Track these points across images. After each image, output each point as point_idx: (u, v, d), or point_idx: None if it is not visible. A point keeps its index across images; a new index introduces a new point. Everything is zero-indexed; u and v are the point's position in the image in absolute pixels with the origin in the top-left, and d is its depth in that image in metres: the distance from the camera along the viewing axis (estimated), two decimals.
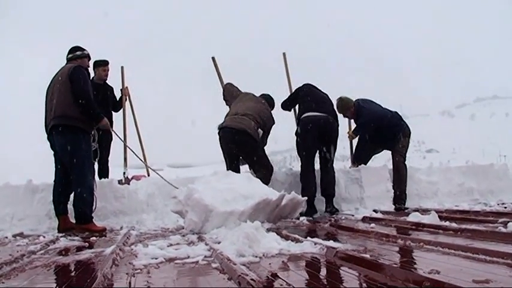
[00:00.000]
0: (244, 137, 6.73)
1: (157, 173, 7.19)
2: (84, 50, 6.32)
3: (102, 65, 8.16)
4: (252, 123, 6.86)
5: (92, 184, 5.92)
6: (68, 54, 6.26)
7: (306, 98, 7.47)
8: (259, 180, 5.83)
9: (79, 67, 6.00)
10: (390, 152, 7.77)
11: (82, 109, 5.82)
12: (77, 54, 6.22)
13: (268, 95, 7.86)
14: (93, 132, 6.24)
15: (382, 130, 7.61)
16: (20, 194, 6.45)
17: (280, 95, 7.92)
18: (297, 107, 7.99)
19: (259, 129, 7.02)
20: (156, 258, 3.26)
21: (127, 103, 8.54)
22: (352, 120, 8.10)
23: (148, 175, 8.54)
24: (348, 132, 8.11)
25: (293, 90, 8.20)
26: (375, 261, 2.68)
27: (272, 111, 7.60)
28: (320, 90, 7.65)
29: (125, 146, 8.07)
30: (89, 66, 6.39)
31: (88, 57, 6.34)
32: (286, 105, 8.02)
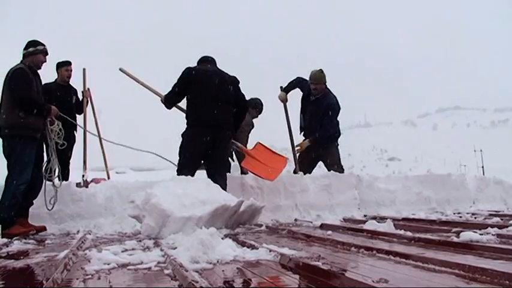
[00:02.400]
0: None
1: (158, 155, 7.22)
2: (39, 45, 6.11)
3: (64, 65, 8.07)
4: None
5: (17, 188, 5.66)
6: (23, 49, 6.10)
7: None
8: (219, 186, 5.80)
9: (17, 70, 5.86)
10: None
11: (26, 113, 5.76)
12: (29, 51, 6.05)
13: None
14: (56, 128, 6.20)
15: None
16: None
17: None
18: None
19: None
20: (108, 264, 3.21)
21: (89, 105, 8.47)
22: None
23: (109, 178, 8.46)
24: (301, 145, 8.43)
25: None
26: (326, 269, 2.70)
27: None
28: None
29: (85, 149, 8.01)
30: (43, 62, 6.18)
31: (43, 52, 6.12)
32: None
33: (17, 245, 4.66)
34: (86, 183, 7.84)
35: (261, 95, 9.18)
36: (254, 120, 8.89)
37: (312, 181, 7.64)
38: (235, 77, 6.65)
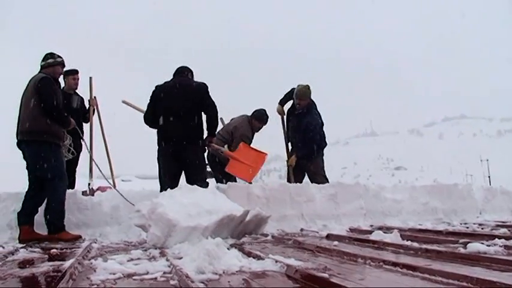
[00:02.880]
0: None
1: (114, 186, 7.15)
2: (57, 57, 6.28)
3: (71, 73, 8.11)
4: None
5: (62, 195, 5.98)
6: (42, 61, 6.24)
7: None
8: (224, 195, 5.83)
9: (46, 79, 6.01)
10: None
11: (52, 121, 5.92)
12: (48, 62, 6.20)
13: None
14: (68, 142, 6.44)
15: None
16: None
17: None
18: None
19: None
20: (114, 274, 3.20)
21: (95, 114, 8.50)
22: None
23: (115, 187, 8.47)
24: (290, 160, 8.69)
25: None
26: (332, 280, 2.68)
27: None
28: None
29: (91, 157, 8.01)
30: (61, 74, 6.41)
31: (61, 64, 6.31)
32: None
33: (22, 253, 4.65)
34: (91, 192, 7.85)
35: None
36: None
37: (318, 190, 7.62)
38: (201, 85, 6.66)
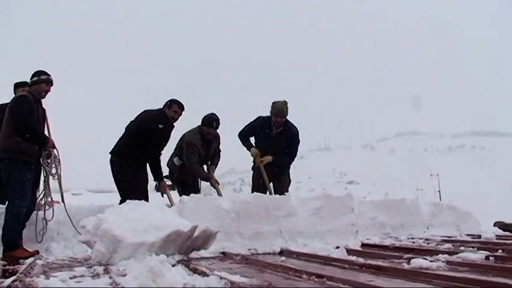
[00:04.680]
0: None
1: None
2: (42, 74, 6.25)
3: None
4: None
5: (19, 211, 5.91)
6: (30, 78, 6.29)
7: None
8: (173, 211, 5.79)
9: (21, 97, 6.07)
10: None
11: (23, 140, 5.93)
12: (33, 80, 6.23)
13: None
14: (52, 159, 6.38)
15: None
16: None
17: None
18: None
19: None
20: None
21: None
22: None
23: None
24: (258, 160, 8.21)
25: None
26: None
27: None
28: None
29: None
30: (46, 91, 6.30)
31: (46, 82, 6.25)
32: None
33: None
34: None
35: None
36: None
37: (302, 203, 6.84)
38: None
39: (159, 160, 7.55)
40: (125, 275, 3.67)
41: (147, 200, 6.52)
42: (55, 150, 6.40)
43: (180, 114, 7.45)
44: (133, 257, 4.63)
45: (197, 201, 6.33)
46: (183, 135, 8.32)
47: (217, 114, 8.27)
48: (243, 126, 8.59)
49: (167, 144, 7.55)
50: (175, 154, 8.36)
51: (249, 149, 8.37)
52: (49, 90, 6.35)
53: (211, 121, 8.07)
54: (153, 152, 7.31)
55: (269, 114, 8.21)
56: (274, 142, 8.20)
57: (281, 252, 5.57)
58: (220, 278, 3.42)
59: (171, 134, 7.48)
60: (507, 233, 7.37)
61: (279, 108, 8.04)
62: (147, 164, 7.34)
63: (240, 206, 6.31)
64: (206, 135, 8.12)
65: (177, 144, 8.41)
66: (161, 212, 5.41)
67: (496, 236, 6.71)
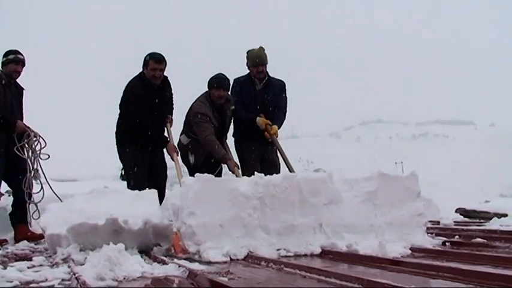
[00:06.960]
0: None
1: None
2: (9, 55, 6.08)
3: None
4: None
5: None
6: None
7: None
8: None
9: None
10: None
11: None
12: (2, 62, 6.10)
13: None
14: (25, 141, 6.19)
15: None
16: None
17: None
18: None
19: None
20: (11, 282, 3.13)
21: None
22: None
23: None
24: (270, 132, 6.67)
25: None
26: (227, 285, 2.71)
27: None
28: None
29: None
30: (16, 71, 6.14)
31: (14, 61, 6.07)
32: None
33: None
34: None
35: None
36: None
37: (349, 186, 5.00)
38: None
39: (163, 127, 6.63)
40: (83, 264, 3.66)
41: (148, 184, 5.81)
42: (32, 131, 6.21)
43: (162, 70, 6.28)
44: (58, 247, 4.44)
45: (205, 183, 4.47)
46: (190, 108, 6.72)
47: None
48: None
49: (166, 105, 6.70)
50: (181, 132, 6.92)
51: (254, 121, 6.69)
52: (19, 70, 6.18)
53: (221, 81, 6.53)
54: (147, 122, 6.28)
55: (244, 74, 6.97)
56: (260, 100, 6.87)
57: (322, 254, 4.32)
58: (179, 266, 3.44)
59: (170, 94, 6.76)
60: (466, 219, 7.52)
61: (258, 55, 6.72)
62: (155, 144, 6.47)
63: (265, 191, 4.51)
64: (217, 100, 6.52)
65: (184, 121, 6.87)
66: (128, 202, 4.83)
67: (455, 222, 6.85)
